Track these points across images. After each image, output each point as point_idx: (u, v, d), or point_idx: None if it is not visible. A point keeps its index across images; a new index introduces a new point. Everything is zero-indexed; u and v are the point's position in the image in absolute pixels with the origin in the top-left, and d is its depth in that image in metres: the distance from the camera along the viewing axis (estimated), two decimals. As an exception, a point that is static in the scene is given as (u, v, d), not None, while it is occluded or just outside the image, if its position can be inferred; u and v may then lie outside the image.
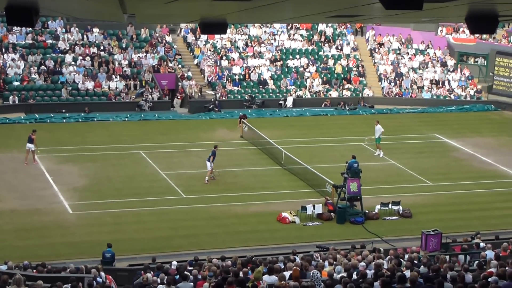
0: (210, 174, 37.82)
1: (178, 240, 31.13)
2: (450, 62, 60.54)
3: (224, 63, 57.38)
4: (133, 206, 34.45)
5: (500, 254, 23.56)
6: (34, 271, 22.75)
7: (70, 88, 51.67)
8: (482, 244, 26.78)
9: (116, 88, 52.84)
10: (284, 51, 59.78)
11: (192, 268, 23.16)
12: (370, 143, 44.15)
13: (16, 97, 49.66)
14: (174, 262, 26.09)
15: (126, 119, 49.62)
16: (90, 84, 52.37)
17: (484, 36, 59.51)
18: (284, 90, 56.09)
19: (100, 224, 32.39)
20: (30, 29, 52.82)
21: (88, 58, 54.33)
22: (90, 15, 20.54)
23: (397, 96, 57.36)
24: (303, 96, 55.89)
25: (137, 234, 31.50)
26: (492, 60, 59.12)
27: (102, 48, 55.60)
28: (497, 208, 36.11)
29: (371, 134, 44.77)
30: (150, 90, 52.97)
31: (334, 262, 23.50)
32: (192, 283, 20.15)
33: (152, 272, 22.39)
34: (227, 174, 38.78)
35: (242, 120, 46.98)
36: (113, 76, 53.49)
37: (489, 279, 17.21)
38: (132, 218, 33.13)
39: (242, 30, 60.31)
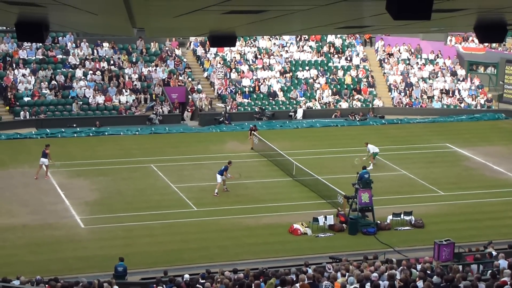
0: (220, 187, 37.82)
1: (189, 253, 31.09)
2: (460, 72, 60.48)
3: (234, 75, 57.48)
4: (145, 219, 34.46)
5: (514, 263, 23.44)
6: (47, 286, 22.75)
7: (81, 102, 51.85)
8: (494, 253, 26.66)
9: (127, 102, 53.00)
10: (294, 62, 59.87)
11: (204, 281, 23.14)
12: (379, 156, 43.96)
13: (27, 112, 49.86)
14: (186, 275, 26.04)
15: (136, 132, 49.72)
16: (100, 99, 52.55)
17: (494, 45, 59.45)
18: (294, 102, 56.14)
19: (111, 238, 32.40)
20: (40, 44, 53.05)
21: (98, 72, 54.53)
22: (100, 30, 20.68)
23: (407, 106, 57.31)
24: (313, 108, 55.91)
25: (149, 248, 31.48)
26: (502, 69, 59.02)
27: (112, 62, 55.80)
28: (510, 217, 35.95)
29: (382, 144, 44.87)
30: (160, 104, 53.10)
31: (347, 273, 23.43)
32: (204, 296, 20.13)
33: (164, 286, 22.38)
34: (238, 186, 38.76)
35: (253, 132, 47.00)
36: (124, 90, 53.66)
37: (503, 289, 17.13)
38: (143, 232, 33.13)
39: (252, 43, 60.44)
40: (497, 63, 60.04)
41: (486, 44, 59.04)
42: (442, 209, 37.00)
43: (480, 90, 58.95)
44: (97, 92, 52.93)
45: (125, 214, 35.06)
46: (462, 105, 57.63)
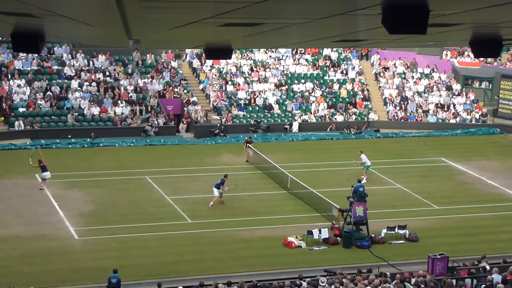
0: (216, 200, 37.78)
1: (183, 265, 31.02)
2: (455, 86, 60.62)
3: (230, 88, 57.54)
4: (139, 231, 34.39)
5: (507, 278, 23.50)
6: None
7: (76, 113, 51.83)
8: (488, 268, 26.67)
9: (122, 113, 53.00)
10: (289, 75, 59.95)
11: (198, 293, 23.11)
12: (374, 170, 44.05)
13: (22, 123, 49.81)
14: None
15: (131, 144, 49.69)
16: (96, 110, 52.55)
17: (489, 59, 59.61)
18: (290, 115, 56.19)
19: (105, 250, 32.31)
20: (36, 55, 53.07)
21: (94, 83, 54.54)
22: (96, 41, 20.69)
23: (402, 120, 57.41)
24: (309, 121, 55.97)
25: (143, 260, 31.39)
26: (497, 84, 59.16)
27: (108, 73, 55.82)
28: (504, 231, 35.95)
29: (377, 157, 45.06)
30: (156, 115, 53.10)
31: (341, 287, 23.46)
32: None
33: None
34: (233, 198, 38.71)
35: (248, 144, 47.03)
36: (119, 101, 53.67)
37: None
38: (137, 244, 33.04)
39: (247, 55, 60.53)
40: (492, 78, 60.19)
41: (481, 59, 59.19)
42: (436, 223, 37.02)
43: (475, 104, 59.08)
44: (92, 103, 52.92)
45: (120, 226, 34.98)
46: (457, 119, 57.74)
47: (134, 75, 56.20)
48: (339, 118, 56.70)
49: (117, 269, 27.68)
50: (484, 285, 23.93)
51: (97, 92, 54.14)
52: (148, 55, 58.16)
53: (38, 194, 38.85)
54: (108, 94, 53.92)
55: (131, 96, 54.48)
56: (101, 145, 49.10)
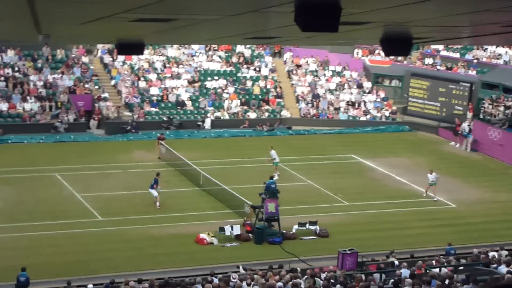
0: (159, 199, 37.33)
1: (94, 263, 30.61)
2: (366, 84, 61.51)
3: (142, 84, 57.07)
4: (49, 229, 33.80)
5: (415, 272, 23.97)
6: None
7: (-16, 109, 50.64)
8: (397, 263, 27.17)
9: (31, 109, 51.97)
10: (203, 72, 59.83)
11: (108, 291, 22.88)
12: (286, 167, 44.37)
13: None
14: (90, 285, 25.79)
15: (41, 141, 48.80)
16: (4, 106, 51.38)
17: (400, 58, 60.63)
18: (202, 111, 56.09)
19: (14, 248, 31.62)
20: None
21: (2, 79, 53.33)
22: (4, 36, 20.24)
23: (314, 117, 57.95)
24: (222, 117, 55.97)
25: (53, 258, 30.87)
26: (407, 82, 60.18)
27: (17, 69, 54.66)
28: (412, 227, 36.68)
29: (289, 154, 45.38)
30: (66, 112, 52.27)
31: (252, 283, 23.55)
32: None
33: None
34: (145, 196, 38.39)
35: (160, 141, 46.75)
36: (28, 97, 52.61)
37: (403, 297, 17.44)
38: (47, 242, 32.49)
39: (160, 51, 60.16)
40: (402, 76, 61.26)
41: (392, 57, 60.20)
42: (346, 219, 37.52)
43: (385, 102, 60.07)
44: (1, 99, 51.73)
45: (28, 224, 34.31)
46: (368, 117, 58.61)
47: (44, 70, 55.20)
48: (252, 115, 56.88)
49: (25, 267, 27.19)
50: (392, 280, 24.34)
51: (6, 88, 52.97)
52: (58, 50, 57.18)
53: None
54: (17, 90, 52.81)
55: (40, 92, 53.48)
56: (9, 141, 48.09)
